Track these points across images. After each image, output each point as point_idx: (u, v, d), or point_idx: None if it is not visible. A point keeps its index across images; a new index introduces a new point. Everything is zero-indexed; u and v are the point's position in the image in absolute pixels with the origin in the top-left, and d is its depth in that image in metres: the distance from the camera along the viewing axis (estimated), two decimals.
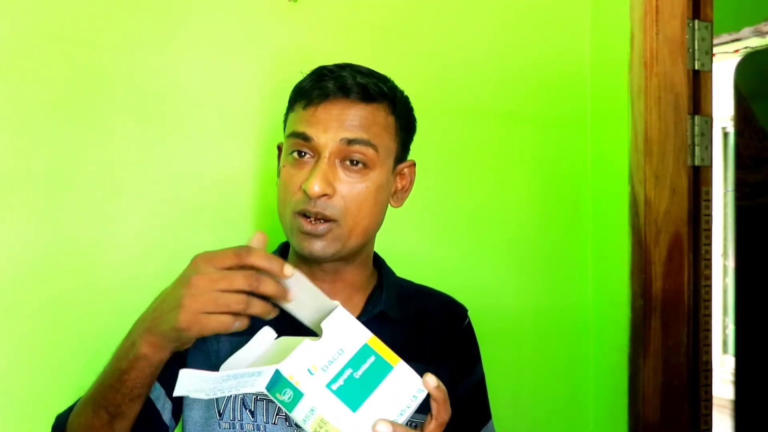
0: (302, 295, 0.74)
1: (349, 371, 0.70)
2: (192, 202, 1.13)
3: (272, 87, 1.16)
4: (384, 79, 0.95)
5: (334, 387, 0.69)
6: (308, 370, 0.69)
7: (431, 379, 0.73)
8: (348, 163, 0.90)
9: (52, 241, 1.04)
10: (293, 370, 0.68)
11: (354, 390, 0.70)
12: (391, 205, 0.98)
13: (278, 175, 0.98)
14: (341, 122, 0.89)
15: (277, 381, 0.67)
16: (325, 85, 0.90)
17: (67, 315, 1.05)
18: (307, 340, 0.70)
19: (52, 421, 0.89)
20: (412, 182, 1.00)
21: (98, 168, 1.07)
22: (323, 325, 0.72)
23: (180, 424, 0.94)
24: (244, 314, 0.70)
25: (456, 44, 1.32)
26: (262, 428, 0.89)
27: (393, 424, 0.70)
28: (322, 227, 0.89)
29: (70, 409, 0.86)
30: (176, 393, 0.69)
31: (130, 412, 0.77)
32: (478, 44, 1.34)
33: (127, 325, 0.99)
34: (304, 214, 0.89)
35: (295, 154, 0.91)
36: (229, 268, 0.71)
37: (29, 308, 1.03)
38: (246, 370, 0.69)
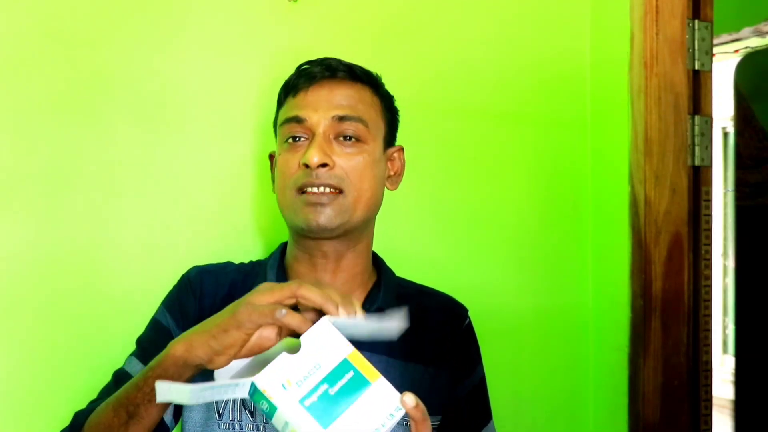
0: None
1: (324, 387, 0.68)
2: (192, 201, 1.13)
3: (272, 87, 1.15)
4: (366, 69, 0.99)
5: (307, 403, 0.67)
6: (282, 384, 0.67)
7: (409, 399, 0.70)
8: (342, 138, 0.92)
9: (52, 241, 1.04)
10: (267, 383, 0.67)
11: (327, 406, 0.68)
12: (388, 188, 1.00)
13: (273, 180, 0.98)
14: (330, 101, 0.92)
15: (255, 392, 0.67)
16: (311, 70, 0.94)
17: (66, 315, 1.05)
18: (284, 353, 0.69)
19: (51, 421, 0.89)
20: (403, 166, 1.03)
21: (98, 168, 1.07)
22: (303, 337, 0.70)
23: (179, 423, 0.95)
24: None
25: (456, 44, 1.32)
26: (261, 429, 0.89)
27: None
28: (327, 197, 0.90)
29: (90, 408, 0.86)
30: (158, 399, 0.69)
31: (146, 416, 0.76)
32: (478, 44, 1.34)
33: (126, 325, 0.99)
34: (305, 190, 0.90)
35: (290, 140, 0.93)
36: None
37: (29, 308, 1.03)
38: (223, 382, 0.69)
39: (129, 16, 1.09)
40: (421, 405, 0.71)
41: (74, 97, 1.06)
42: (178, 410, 0.92)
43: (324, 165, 0.90)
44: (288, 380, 0.68)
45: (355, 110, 0.93)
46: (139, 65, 1.09)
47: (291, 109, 0.94)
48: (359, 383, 0.70)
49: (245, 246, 1.15)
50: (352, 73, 0.95)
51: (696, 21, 1.34)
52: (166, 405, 0.77)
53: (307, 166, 0.90)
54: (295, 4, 1.19)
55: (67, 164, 1.05)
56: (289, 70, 0.99)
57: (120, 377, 0.91)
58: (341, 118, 0.92)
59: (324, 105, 0.92)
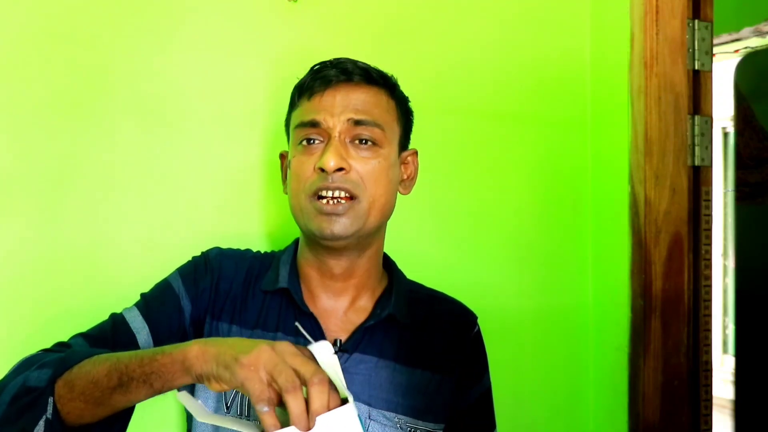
0: None
1: None
2: (192, 202, 1.13)
3: (273, 87, 1.16)
4: (381, 71, 0.98)
5: None
6: None
7: None
8: (358, 142, 0.91)
9: (52, 241, 1.04)
10: None
11: None
12: (401, 193, 0.99)
13: (283, 181, 0.98)
14: (346, 105, 0.91)
15: None
16: (326, 73, 0.92)
17: (66, 315, 1.05)
18: (294, 429, 0.66)
19: None
20: (416, 170, 1.02)
21: (98, 168, 1.07)
22: (322, 417, 0.66)
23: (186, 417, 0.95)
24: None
25: (456, 44, 1.32)
26: None
27: None
28: (342, 206, 0.89)
29: (76, 341, 0.86)
30: (178, 397, 0.71)
31: (134, 392, 0.74)
32: (478, 44, 1.34)
33: None
34: (321, 196, 0.89)
35: (305, 143, 0.92)
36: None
37: (29, 308, 1.03)
38: (234, 421, 0.70)
39: (129, 16, 1.09)
40: None
41: (74, 97, 1.06)
42: None
43: (340, 169, 0.89)
44: None
45: (372, 114, 0.92)
46: (139, 65, 1.10)
47: (306, 112, 0.93)
48: None
49: (247, 245, 1.15)
50: (368, 76, 0.94)
51: (696, 21, 1.34)
52: (155, 392, 0.75)
53: (322, 170, 0.89)
54: (295, 4, 1.19)
55: (67, 164, 1.05)
56: (290, 70, 0.99)
57: (117, 324, 0.90)
58: (357, 122, 0.91)
59: (340, 108, 0.91)
